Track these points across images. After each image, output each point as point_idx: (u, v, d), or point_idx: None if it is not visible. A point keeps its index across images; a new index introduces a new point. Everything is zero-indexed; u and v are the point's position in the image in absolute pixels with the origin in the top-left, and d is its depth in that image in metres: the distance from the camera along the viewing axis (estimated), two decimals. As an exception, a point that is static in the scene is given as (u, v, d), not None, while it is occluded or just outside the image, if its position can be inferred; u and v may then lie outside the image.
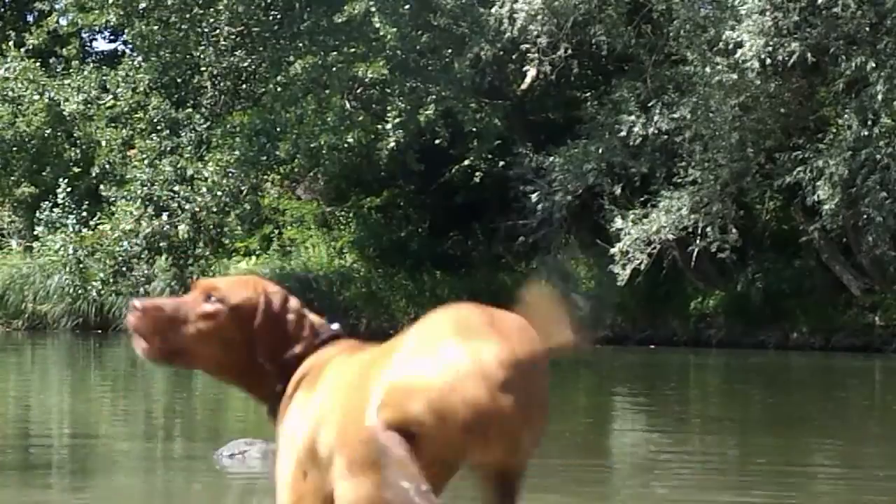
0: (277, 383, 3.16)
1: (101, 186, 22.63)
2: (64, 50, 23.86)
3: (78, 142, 23.95)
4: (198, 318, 3.08)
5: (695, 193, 20.53)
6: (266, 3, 22.78)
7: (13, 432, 10.25)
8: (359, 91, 22.86)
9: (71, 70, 23.60)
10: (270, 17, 22.90)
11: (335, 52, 21.91)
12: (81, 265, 22.49)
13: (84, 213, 23.20)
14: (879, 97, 19.27)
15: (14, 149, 23.57)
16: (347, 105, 22.31)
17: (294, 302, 3.19)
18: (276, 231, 25.23)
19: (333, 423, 2.95)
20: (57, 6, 24.47)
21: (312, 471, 2.99)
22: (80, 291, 22.72)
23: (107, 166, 22.75)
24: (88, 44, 29.14)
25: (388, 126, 21.64)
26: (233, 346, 3.11)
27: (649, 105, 20.92)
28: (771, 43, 19.38)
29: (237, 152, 21.57)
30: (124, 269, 22.10)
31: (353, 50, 22.00)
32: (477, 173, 23.60)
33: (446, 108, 22.14)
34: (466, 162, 23.71)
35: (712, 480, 8.29)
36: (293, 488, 3.04)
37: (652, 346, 22.00)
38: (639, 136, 20.65)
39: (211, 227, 22.20)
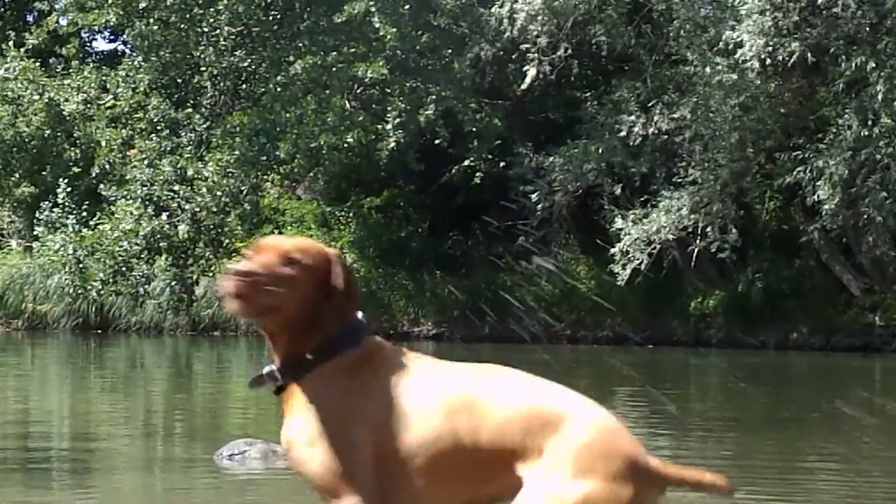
0: (317, 348, 3.41)
1: (101, 186, 22.63)
2: (63, 49, 23.86)
3: (78, 142, 23.95)
4: (282, 281, 3.35)
5: (695, 193, 20.53)
6: (266, 3, 22.77)
7: (13, 432, 10.25)
8: (359, 91, 22.86)
9: (71, 70, 23.60)
10: (270, 17, 22.89)
11: (335, 52, 21.91)
12: (81, 265, 22.49)
13: (84, 213, 23.21)
14: (879, 97, 19.27)
15: (14, 149, 23.57)
16: (347, 105, 22.30)
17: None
18: (276, 231, 25.22)
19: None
20: (57, 6, 24.45)
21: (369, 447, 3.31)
22: (80, 292, 22.72)
23: (107, 166, 22.75)
24: (88, 44, 29.16)
25: (388, 126, 21.63)
26: (307, 305, 3.39)
27: (649, 105, 20.92)
28: (771, 43, 19.38)
29: (237, 152, 21.56)
30: (124, 269, 22.09)
31: (353, 50, 22.00)
32: (477, 173, 23.59)
33: (446, 108, 22.14)
34: (466, 162, 23.72)
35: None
36: (343, 456, 3.31)
37: (650, 346, 22.00)
38: (639, 136, 20.65)
39: (211, 227, 22.19)
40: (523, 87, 24.12)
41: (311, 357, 3.40)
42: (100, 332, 23.32)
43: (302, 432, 3.38)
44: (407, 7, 22.28)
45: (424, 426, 3.34)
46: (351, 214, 25.73)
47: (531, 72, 22.58)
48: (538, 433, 3.27)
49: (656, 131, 20.69)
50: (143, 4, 22.44)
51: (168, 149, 22.25)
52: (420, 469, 3.32)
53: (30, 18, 29.17)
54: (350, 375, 3.43)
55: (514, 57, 22.59)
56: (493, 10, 21.64)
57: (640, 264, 20.46)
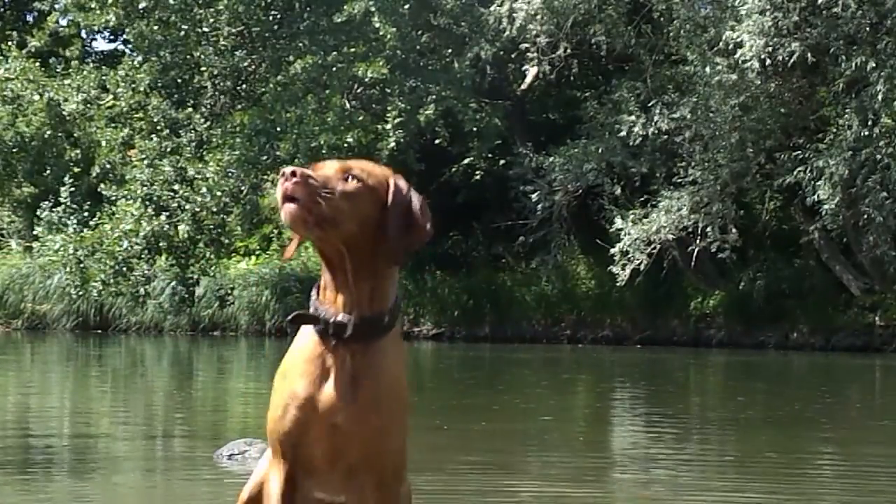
0: (391, 310, 3.26)
1: (102, 186, 22.63)
2: (67, 51, 23.85)
3: (78, 142, 23.95)
4: (341, 194, 3.16)
5: (695, 193, 20.53)
6: (266, 3, 22.77)
7: (13, 432, 10.25)
8: (359, 91, 22.87)
9: (71, 70, 23.60)
10: (270, 17, 22.90)
11: (335, 52, 21.91)
12: (81, 265, 22.49)
13: (84, 213, 23.21)
14: (879, 97, 19.27)
15: (14, 149, 23.57)
16: (347, 105, 22.31)
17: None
18: (276, 231, 25.22)
19: None
20: (57, 6, 24.45)
21: None
22: (80, 292, 22.72)
23: (107, 166, 22.74)
24: (88, 44, 29.15)
25: (388, 126, 21.63)
26: (367, 228, 3.18)
27: (649, 105, 20.92)
28: (771, 43, 19.37)
29: (237, 152, 21.56)
30: (124, 269, 22.09)
31: (353, 50, 22.00)
32: (477, 173, 23.59)
33: (446, 108, 22.15)
34: (466, 162, 23.72)
35: (712, 480, 8.29)
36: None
37: (639, 347, 22.00)
38: (639, 136, 20.65)
39: (211, 227, 22.19)
40: (523, 86, 24.13)
41: (388, 320, 3.25)
42: (100, 332, 23.32)
43: (399, 401, 3.25)
44: (407, 7, 22.28)
45: None
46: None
47: (531, 71, 22.59)
48: None
49: (656, 131, 20.69)
50: (143, 4, 22.44)
51: (168, 149, 22.25)
52: None
53: (30, 18, 29.16)
54: (402, 345, 3.35)
55: (513, 57, 22.60)
56: (492, 8, 21.63)
57: (640, 264, 20.46)
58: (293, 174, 3.14)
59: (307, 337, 3.28)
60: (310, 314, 3.26)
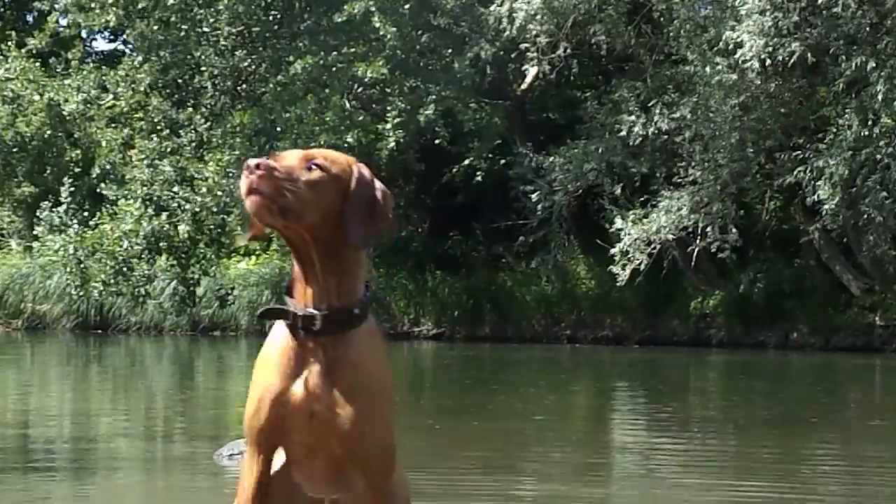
0: (362, 302, 3.24)
1: (102, 186, 22.62)
2: (69, 54, 23.82)
3: (78, 142, 23.94)
4: (304, 183, 3.16)
5: (695, 193, 20.52)
6: (266, 3, 22.76)
7: (13, 432, 10.25)
8: (359, 91, 22.87)
9: (71, 70, 23.59)
10: (270, 17, 22.89)
11: (335, 52, 21.90)
12: (82, 265, 22.49)
13: (84, 213, 23.21)
14: (880, 97, 19.26)
15: (14, 149, 23.56)
16: (347, 105, 22.30)
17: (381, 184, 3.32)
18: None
19: None
20: (57, 6, 24.43)
21: None
22: (80, 292, 22.72)
23: (107, 166, 22.73)
24: (88, 44, 29.14)
25: (388, 126, 21.63)
26: (331, 217, 3.19)
27: (649, 105, 20.92)
28: (771, 43, 19.37)
29: (237, 152, 21.55)
30: (125, 269, 22.08)
31: (353, 50, 22.00)
32: (477, 173, 23.59)
33: (446, 108, 22.15)
34: (466, 162, 23.71)
35: (712, 480, 8.29)
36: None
37: (639, 347, 22.01)
38: (639, 136, 20.65)
39: (211, 227, 22.19)
40: (523, 86, 24.13)
41: (358, 311, 3.24)
42: (100, 332, 23.32)
43: (376, 392, 3.22)
44: (407, 7, 22.28)
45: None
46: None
47: (531, 71, 22.58)
48: None
49: (656, 131, 20.68)
50: (142, 4, 22.44)
51: (168, 149, 22.24)
52: None
53: (30, 19, 29.16)
54: (381, 334, 3.34)
55: (513, 57, 22.59)
56: (492, 8, 21.63)
57: (640, 264, 20.45)
58: (257, 166, 3.15)
59: (280, 332, 3.29)
60: (279, 309, 3.27)
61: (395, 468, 3.31)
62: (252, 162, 3.17)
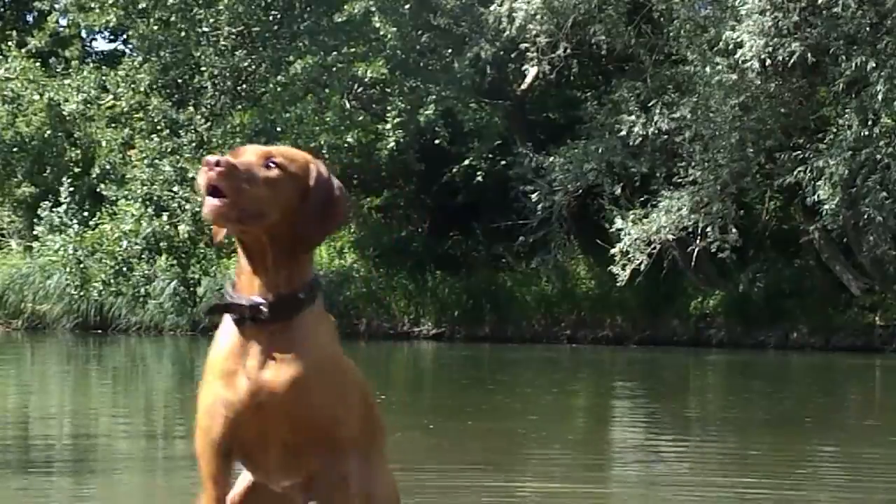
0: (308, 287, 3.23)
1: (102, 186, 22.62)
2: (66, 52, 23.84)
3: (78, 142, 23.94)
4: (264, 181, 3.15)
5: (695, 193, 20.53)
6: (266, 3, 22.77)
7: (13, 432, 10.25)
8: (359, 91, 22.87)
9: (71, 70, 23.59)
10: (270, 17, 22.90)
11: (335, 52, 21.91)
12: (81, 265, 22.47)
13: (84, 213, 23.20)
14: (879, 97, 19.27)
15: (14, 149, 23.56)
16: (347, 105, 22.31)
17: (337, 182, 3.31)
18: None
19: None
20: (57, 6, 24.44)
21: None
22: (80, 293, 22.71)
23: (107, 166, 22.73)
24: (88, 44, 29.13)
25: (388, 126, 21.63)
26: (289, 215, 3.17)
27: (649, 105, 20.92)
28: (771, 43, 19.37)
29: (237, 152, 21.54)
30: (125, 269, 22.07)
31: (353, 50, 22.01)
32: (477, 173, 23.59)
33: (446, 108, 22.15)
34: (466, 162, 23.71)
35: (711, 479, 8.29)
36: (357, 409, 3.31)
37: (639, 347, 22.00)
38: (639, 136, 20.65)
39: (211, 227, 22.16)
40: (523, 86, 24.13)
41: (303, 296, 3.21)
42: (100, 332, 23.30)
43: (327, 376, 3.18)
44: (407, 7, 22.28)
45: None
46: (351, 214, 25.72)
47: (531, 71, 22.58)
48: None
49: (656, 131, 20.69)
50: (143, 4, 22.44)
51: (168, 149, 22.24)
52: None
53: (30, 19, 29.15)
54: (331, 319, 3.31)
55: (513, 56, 22.59)
56: (492, 8, 21.63)
57: (640, 264, 20.46)
58: (217, 163, 3.12)
59: (226, 330, 3.26)
60: (225, 303, 3.25)
61: (351, 449, 3.23)
62: (212, 159, 3.13)
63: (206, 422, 3.27)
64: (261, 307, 3.18)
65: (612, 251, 20.66)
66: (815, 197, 19.74)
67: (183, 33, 22.53)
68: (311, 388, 3.16)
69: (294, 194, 3.19)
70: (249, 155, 3.20)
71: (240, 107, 22.79)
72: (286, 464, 3.25)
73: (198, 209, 21.73)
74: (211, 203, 3.12)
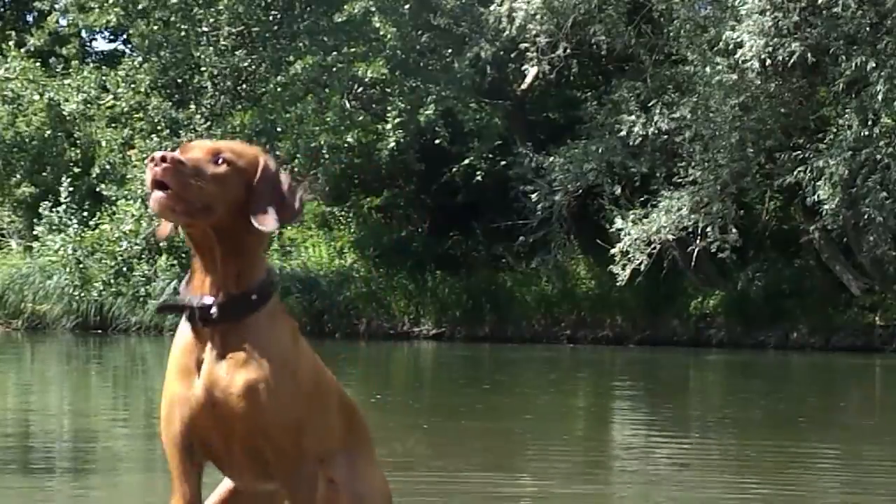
0: (261, 287, 3.23)
1: (102, 186, 22.61)
2: (64, 49, 23.84)
3: (78, 142, 23.94)
4: (211, 178, 3.14)
5: (695, 193, 20.53)
6: (266, 3, 22.77)
7: (13, 432, 10.25)
8: (359, 91, 22.86)
9: (71, 70, 23.59)
10: (270, 17, 22.90)
11: (335, 52, 21.91)
12: (81, 265, 22.47)
13: (84, 213, 23.20)
14: (880, 97, 19.27)
15: (14, 149, 23.55)
16: (347, 105, 22.30)
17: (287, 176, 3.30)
18: (276, 231, 25.19)
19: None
20: (57, 6, 24.44)
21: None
22: (80, 293, 22.70)
23: (107, 166, 22.73)
24: (88, 44, 29.13)
25: (388, 126, 21.63)
26: (237, 212, 3.17)
27: (649, 105, 20.93)
28: (771, 43, 19.38)
29: (237, 152, 21.55)
30: (125, 269, 22.07)
31: (353, 50, 22.00)
32: (477, 173, 23.59)
33: (446, 108, 22.15)
34: (466, 162, 23.71)
35: (711, 479, 8.29)
36: (325, 409, 3.35)
37: (639, 346, 22.01)
38: (639, 136, 20.65)
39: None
40: (523, 86, 24.13)
41: (256, 297, 3.20)
42: (100, 332, 23.29)
43: (281, 375, 3.15)
44: (407, 7, 22.28)
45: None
46: (351, 214, 25.72)
47: (531, 71, 22.58)
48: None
49: (656, 131, 20.69)
50: (142, 5, 22.44)
51: (168, 149, 22.23)
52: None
53: (30, 18, 29.15)
54: (289, 321, 3.29)
55: (513, 56, 22.59)
56: (492, 8, 21.63)
57: (640, 264, 20.46)
58: (163, 159, 3.10)
59: (183, 329, 3.26)
60: (176, 302, 3.24)
61: (308, 449, 3.21)
62: (158, 154, 3.12)
63: (165, 416, 3.30)
64: (211, 308, 3.18)
65: (612, 251, 20.66)
66: (815, 197, 19.74)
67: (183, 33, 22.53)
68: (261, 390, 3.14)
69: (241, 190, 3.18)
70: (197, 151, 3.19)
71: (240, 107, 22.79)
72: (254, 467, 3.24)
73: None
74: (156, 195, 3.10)
